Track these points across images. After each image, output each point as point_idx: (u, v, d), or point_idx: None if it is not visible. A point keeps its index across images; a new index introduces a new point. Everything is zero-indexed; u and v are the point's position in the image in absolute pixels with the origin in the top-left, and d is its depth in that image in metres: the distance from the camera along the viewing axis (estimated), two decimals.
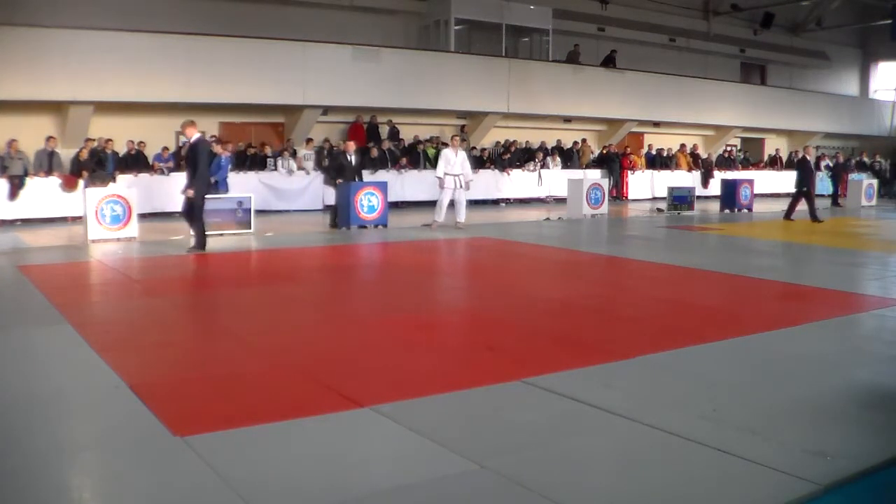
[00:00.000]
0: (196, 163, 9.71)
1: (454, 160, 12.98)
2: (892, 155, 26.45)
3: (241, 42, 15.84)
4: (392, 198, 14.85)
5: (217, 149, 12.50)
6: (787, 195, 23.86)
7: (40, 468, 3.16)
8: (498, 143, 19.97)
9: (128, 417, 3.77)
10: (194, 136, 9.80)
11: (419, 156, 18.15)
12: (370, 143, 17.52)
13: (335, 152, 14.54)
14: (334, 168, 13.05)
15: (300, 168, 16.48)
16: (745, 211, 17.55)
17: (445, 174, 12.91)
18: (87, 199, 10.84)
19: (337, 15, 18.40)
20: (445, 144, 17.73)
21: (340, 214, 12.83)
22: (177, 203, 14.20)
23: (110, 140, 14.80)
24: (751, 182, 18.15)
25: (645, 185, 21.34)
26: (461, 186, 13.01)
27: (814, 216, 15.01)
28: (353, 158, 12.94)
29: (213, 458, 3.22)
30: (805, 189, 15.24)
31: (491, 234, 12.14)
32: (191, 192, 9.76)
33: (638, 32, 22.89)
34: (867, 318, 6.31)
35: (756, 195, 18.46)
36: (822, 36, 27.70)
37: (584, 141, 21.43)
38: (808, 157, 15.72)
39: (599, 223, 14.63)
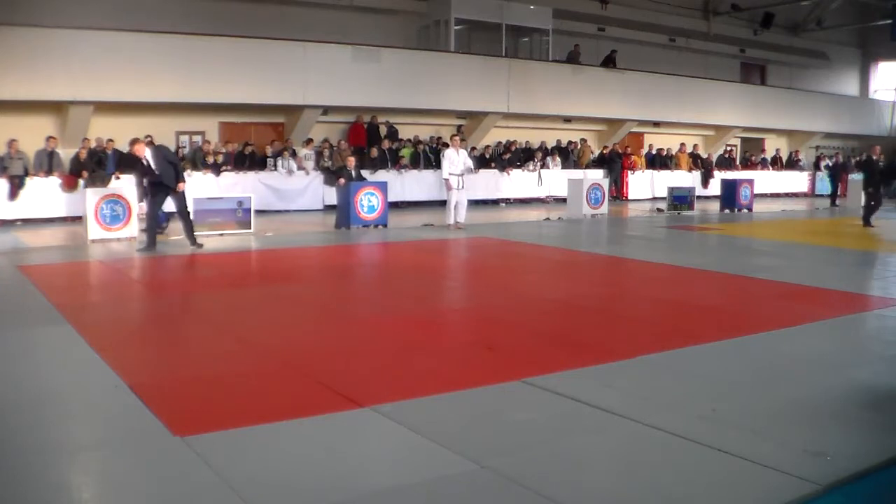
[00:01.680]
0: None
1: (456, 160, 12.99)
2: (893, 155, 26.44)
3: (241, 42, 15.84)
4: (392, 198, 14.85)
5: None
6: (787, 195, 24.09)
7: (40, 468, 3.16)
8: (499, 143, 19.97)
9: (128, 417, 3.77)
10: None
11: (419, 156, 18.16)
12: (370, 146, 17.53)
13: (338, 166, 14.65)
14: (339, 176, 13.15)
15: (300, 168, 16.49)
16: (745, 211, 17.54)
17: (450, 174, 12.90)
18: (87, 199, 10.84)
19: (337, 15, 18.39)
20: (437, 144, 17.79)
21: (340, 214, 12.86)
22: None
23: (111, 140, 14.80)
24: (751, 182, 18.16)
25: (645, 185, 21.35)
26: (463, 187, 13.02)
27: (867, 220, 14.17)
28: (353, 172, 13.07)
29: (213, 458, 3.22)
30: (870, 190, 14.55)
31: (491, 234, 12.14)
32: (182, 186, 10.23)
33: (638, 32, 22.87)
34: (867, 318, 6.31)
35: (756, 195, 18.47)
36: (822, 36, 27.69)
37: (584, 141, 21.44)
38: (873, 158, 15.10)
39: (599, 223, 14.63)
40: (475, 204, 16.83)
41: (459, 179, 12.92)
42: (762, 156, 25.45)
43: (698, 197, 18.37)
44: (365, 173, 14.24)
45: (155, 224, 10.19)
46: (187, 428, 3.53)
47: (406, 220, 14.12)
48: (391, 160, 17.52)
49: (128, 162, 13.12)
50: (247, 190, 13.67)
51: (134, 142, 10.07)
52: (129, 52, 14.51)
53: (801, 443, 3.41)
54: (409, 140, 18.63)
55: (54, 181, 13.78)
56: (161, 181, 9.99)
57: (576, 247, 11.18)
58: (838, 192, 20.79)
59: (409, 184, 17.40)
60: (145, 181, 10.08)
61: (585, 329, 5.91)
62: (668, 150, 22.42)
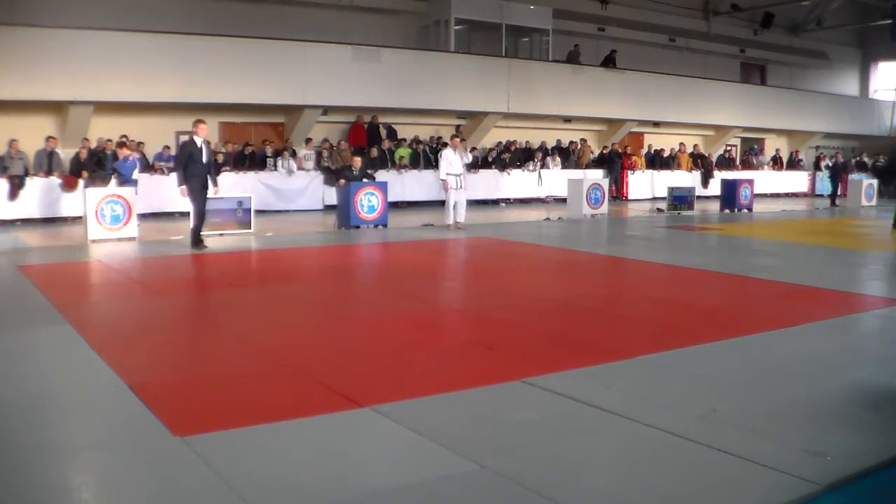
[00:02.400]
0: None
1: (454, 160, 12.96)
2: (893, 154, 26.45)
3: (241, 42, 15.84)
4: (392, 198, 14.85)
5: (123, 151, 12.47)
6: (787, 195, 24.10)
7: (40, 468, 3.16)
8: (499, 143, 19.96)
9: (128, 417, 3.77)
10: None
11: (419, 156, 18.16)
12: (370, 146, 17.53)
13: (339, 166, 14.69)
14: (340, 176, 13.18)
15: (300, 168, 16.49)
16: (745, 211, 17.55)
17: (448, 174, 12.86)
18: (87, 199, 10.84)
19: (337, 15, 18.40)
20: (437, 143, 17.78)
21: (340, 214, 12.86)
22: (177, 202, 14.30)
23: (110, 140, 14.80)
24: (751, 182, 18.16)
25: (645, 185, 21.35)
26: (462, 186, 12.99)
27: None
28: (356, 172, 13.10)
29: (213, 458, 3.22)
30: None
31: (491, 234, 12.14)
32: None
33: (638, 32, 22.88)
34: (867, 318, 6.32)
35: (756, 195, 18.47)
36: (822, 36, 27.70)
37: (584, 141, 21.44)
38: None
39: (599, 223, 14.63)
40: (475, 204, 16.83)
41: (458, 179, 12.89)
42: (754, 146, 25.38)
43: (698, 197, 18.37)
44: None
45: (201, 222, 10.18)
46: (187, 428, 3.53)
47: (406, 221, 14.12)
48: (391, 160, 17.53)
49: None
50: (247, 190, 13.67)
51: (198, 122, 10.08)
52: (129, 52, 14.51)
53: (801, 443, 3.41)
54: (404, 140, 18.61)
55: (54, 181, 13.78)
56: (199, 175, 9.97)
57: (576, 247, 11.17)
58: (838, 192, 20.80)
59: (409, 184, 17.40)
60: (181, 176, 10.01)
61: (585, 329, 5.91)
62: (671, 149, 22.43)
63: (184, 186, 10.02)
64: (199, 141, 9.98)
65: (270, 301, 6.89)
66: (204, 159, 9.98)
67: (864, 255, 10.48)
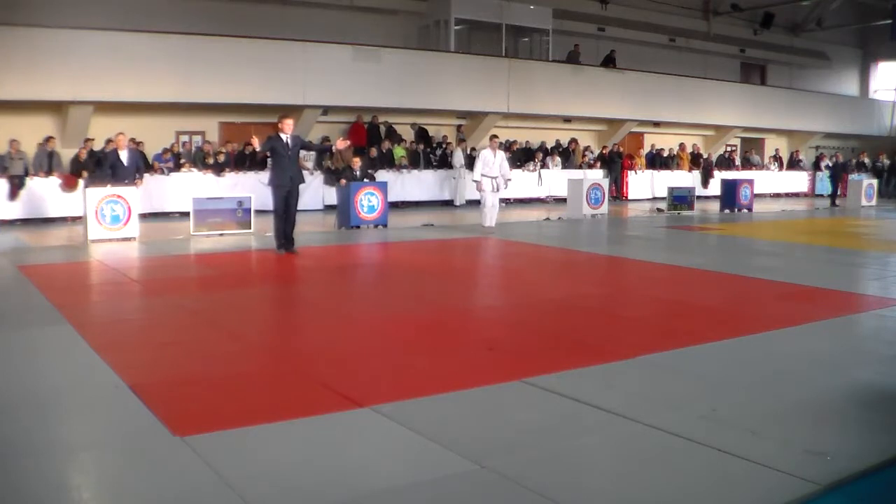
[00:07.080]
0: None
1: (492, 161, 12.65)
2: (893, 155, 26.46)
3: (241, 42, 15.84)
4: (392, 198, 14.85)
5: None
6: (787, 195, 24.10)
7: (40, 468, 3.16)
8: (501, 143, 19.91)
9: (128, 417, 3.77)
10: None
11: (419, 156, 18.16)
12: (370, 146, 17.52)
13: (343, 166, 14.73)
14: (341, 176, 13.22)
15: (302, 168, 16.46)
16: (745, 211, 17.55)
17: (483, 175, 12.60)
18: (87, 199, 10.84)
19: (337, 15, 18.40)
20: (443, 142, 17.79)
21: (340, 214, 12.87)
22: (176, 202, 14.31)
23: (110, 140, 14.79)
24: (751, 182, 18.17)
25: (645, 185, 21.36)
26: (497, 189, 12.69)
27: None
28: (357, 172, 13.08)
29: (213, 458, 3.22)
30: None
31: (491, 234, 12.13)
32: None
33: (638, 32, 22.88)
34: (867, 318, 6.31)
35: (756, 195, 18.48)
36: (822, 36, 27.69)
37: (574, 141, 21.43)
38: None
39: (599, 223, 14.63)
40: (474, 204, 16.81)
41: (493, 182, 12.61)
42: (752, 156, 25.40)
43: (698, 197, 18.38)
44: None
45: (282, 223, 9.55)
46: (187, 428, 3.53)
47: (406, 221, 14.12)
48: (391, 160, 17.55)
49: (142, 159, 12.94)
50: (247, 190, 13.67)
51: (282, 117, 9.64)
52: (129, 52, 14.51)
53: (801, 443, 3.41)
54: (403, 140, 18.59)
55: (54, 181, 13.78)
56: (282, 172, 9.38)
57: (576, 247, 11.17)
58: (838, 192, 20.81)
59: (409, 184, 17.40)
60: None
61: (585, 329, 5.90)
62: (669, 150, 22.43)
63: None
64: (284, 137, 9.45)
65: (270, 301, 6.89)
66: (289, 154, 9.40)
67: (864, 256, 10.47)
